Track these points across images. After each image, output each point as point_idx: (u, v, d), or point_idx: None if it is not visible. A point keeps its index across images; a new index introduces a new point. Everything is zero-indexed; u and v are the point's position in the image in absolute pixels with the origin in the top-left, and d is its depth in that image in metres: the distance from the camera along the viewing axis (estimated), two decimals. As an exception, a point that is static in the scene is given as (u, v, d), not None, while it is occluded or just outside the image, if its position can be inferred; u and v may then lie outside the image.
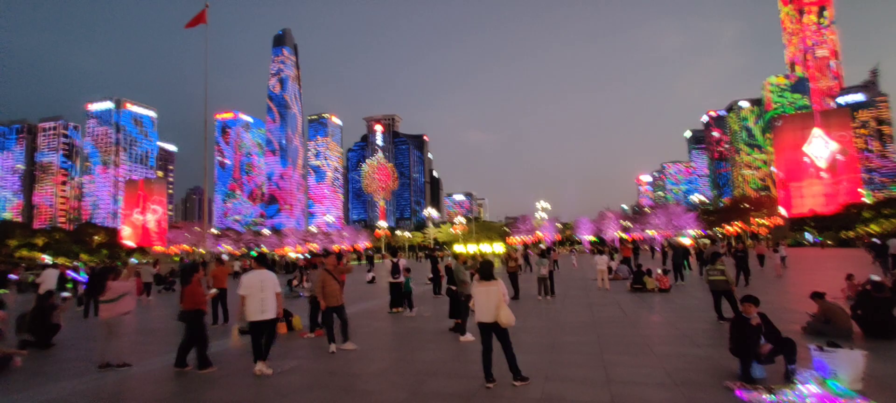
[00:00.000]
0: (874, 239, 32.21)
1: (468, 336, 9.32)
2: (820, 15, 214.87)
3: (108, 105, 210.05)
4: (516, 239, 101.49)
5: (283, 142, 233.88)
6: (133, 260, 76.25)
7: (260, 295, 7.16)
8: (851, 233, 74.16)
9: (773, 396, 5.45)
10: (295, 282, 20.07)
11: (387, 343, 9.95)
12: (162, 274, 26.16)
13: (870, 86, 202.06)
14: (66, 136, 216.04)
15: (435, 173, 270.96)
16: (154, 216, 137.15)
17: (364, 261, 60.55)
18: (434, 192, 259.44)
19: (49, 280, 16.19)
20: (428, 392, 6.33)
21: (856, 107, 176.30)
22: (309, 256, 50.10)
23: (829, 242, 73.51)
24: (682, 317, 11.45)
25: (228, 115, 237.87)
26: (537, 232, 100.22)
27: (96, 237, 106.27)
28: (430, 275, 18.99)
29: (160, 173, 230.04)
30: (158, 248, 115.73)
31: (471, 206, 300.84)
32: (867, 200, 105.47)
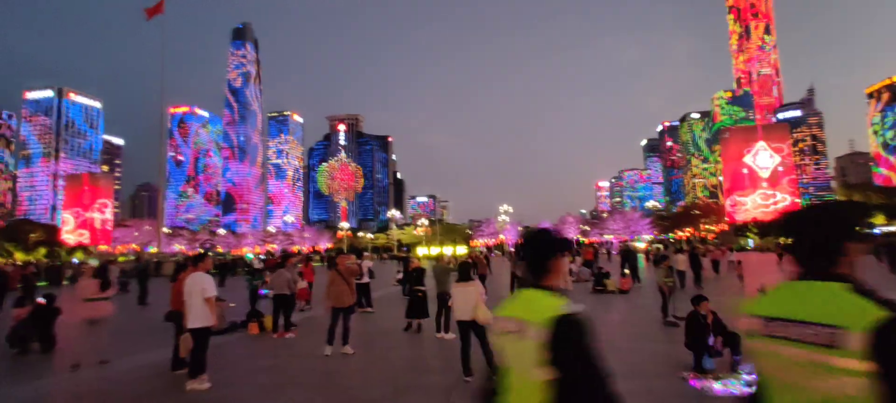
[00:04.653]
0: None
1: (447, 335, 9.65)
2: (765, 32, 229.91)
3: (48, 93, 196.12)
4: (480, 242, 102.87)
5: (242, 139, 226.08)
6: (75, 260, 71.70)
7: (190, 301, 6.58)
8: (789, 240, 79.57)
9: (720, 383, 6.10)
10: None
11: (359, 343, 10.11)
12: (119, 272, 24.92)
13: (806, 103, 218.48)
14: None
15: (398, 175, 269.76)
16: (100, 213, 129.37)
17: (325, 263, 59.55)
18: (398, 194, 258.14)
19: None
20: (409, 385, 6.63)
21: (794, 122, 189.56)
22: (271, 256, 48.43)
23: (769, 247, 78.79)
24: (640, 317, 12.22)
25: (184, 109, 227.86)
26: (500, 236, 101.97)
27: (32, 235, 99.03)
28: (400, 276, 19.20)
29: (105, 167, 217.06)
30: (102, 247, 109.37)
31: (435, 208, 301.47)
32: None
